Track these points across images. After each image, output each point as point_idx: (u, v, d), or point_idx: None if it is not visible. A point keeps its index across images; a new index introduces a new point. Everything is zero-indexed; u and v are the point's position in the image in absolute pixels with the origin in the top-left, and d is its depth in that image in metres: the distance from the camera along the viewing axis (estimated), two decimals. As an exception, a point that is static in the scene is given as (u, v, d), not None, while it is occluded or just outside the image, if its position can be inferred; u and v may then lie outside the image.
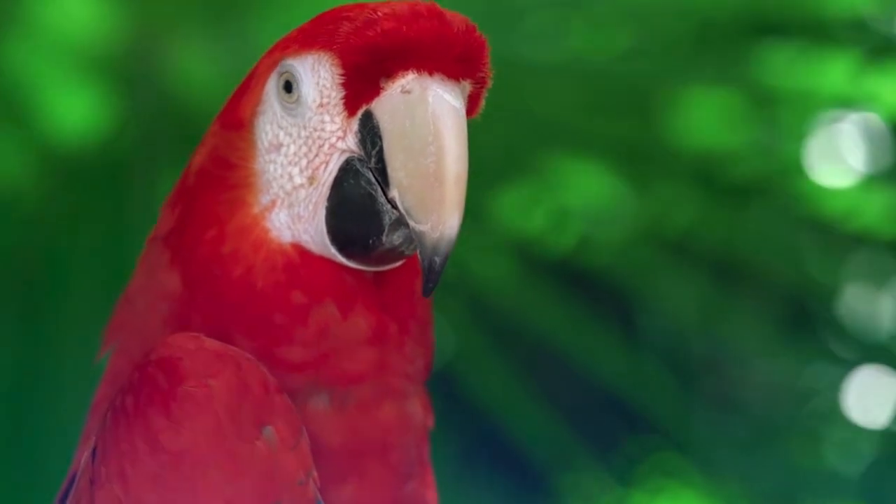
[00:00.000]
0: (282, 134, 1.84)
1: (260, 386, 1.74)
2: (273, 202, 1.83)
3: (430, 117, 1.74)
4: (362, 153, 1.78)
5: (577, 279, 4.50)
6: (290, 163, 1.83)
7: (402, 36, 1.75)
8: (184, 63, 4.13)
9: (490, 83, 1.82)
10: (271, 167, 1.84)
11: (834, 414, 4.49)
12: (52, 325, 4.13)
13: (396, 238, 1.76)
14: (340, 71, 1.78)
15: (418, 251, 1.75)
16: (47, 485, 3.95)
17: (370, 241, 1.78)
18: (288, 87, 1.83)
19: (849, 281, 4.62)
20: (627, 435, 4.50)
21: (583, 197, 4.35)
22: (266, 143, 1.85)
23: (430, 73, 1.75)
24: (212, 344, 1.76)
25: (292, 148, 1.83)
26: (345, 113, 1.79)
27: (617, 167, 4.35)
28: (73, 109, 4.11)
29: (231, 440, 1.72)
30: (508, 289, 4.37)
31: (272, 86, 1.84)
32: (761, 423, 4.63)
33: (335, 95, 1.80)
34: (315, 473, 1.76)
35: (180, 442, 1.71)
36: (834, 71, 4.32)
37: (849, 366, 4.52)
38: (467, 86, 1.79)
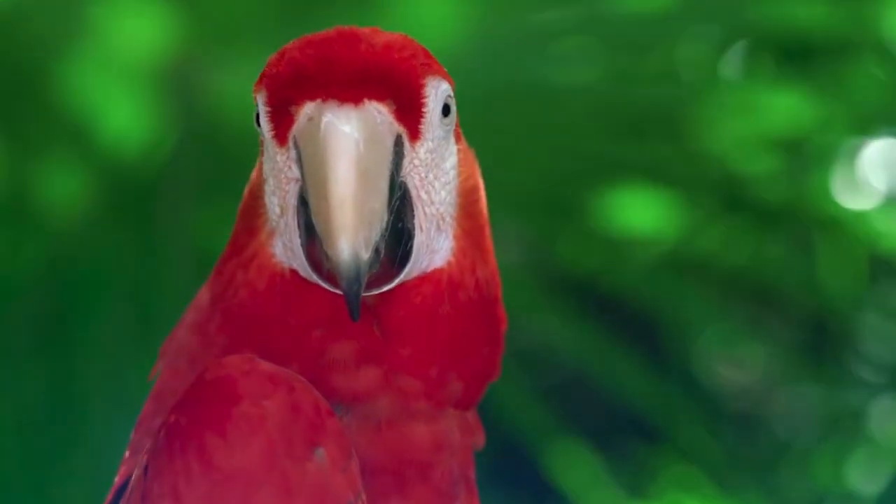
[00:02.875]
0: (266, 167, 1.90)
1: (312, 408, 1.78)
2: (273, 230, 1.89)
3: (320, 144, 1.77)
4: (302, 181, 1.83)
5: (602, 301, 4.52)
6: (272, 193, 1.89)
7: (299, 65, 1.80)
8: (234, 81, 4.15)
9: (424, 103, 1.83)
10: (266, 198, 1.90)
11: (856, 434, 4.50)
12: (83, 345, 4.15)
13: (329, 263, 1.78)
14: (265, 101, 1.84)
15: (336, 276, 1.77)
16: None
17: (327, 268, 1.81)
18: (258, 120, 1.89)
19: (873, 305, 4.64)
20: (650, 454, 4.52)
21: (608, 219, 4.37)
22: (264, 175, 1.91)
23: (324, 100, 1.78)
24: (265, 366, 1.81)
25: (271, 180, 1.89)
26: (278, 142, 1.84)
27: (642, 190, 4.36)
28: (129, 127, 4.13)
29: (283, 461, 1.75)
30: (532, 309, 4.39)
31: (254, 119, 1.91)
32: (784, 445, 4.64)
33: (271, 127, 1.85)
34: (364, 496, 1.78)
35: (233, 461, 1.74)
36: (860, 95, 4.33)
37: (872, 389, 4.53)
38: (381, 108, 1.80)
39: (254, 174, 1.96)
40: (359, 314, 1.77)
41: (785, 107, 4.30)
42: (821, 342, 4.70)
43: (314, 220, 1.78)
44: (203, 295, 1.98)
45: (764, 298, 4.74)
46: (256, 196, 1.93)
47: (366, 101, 1.78)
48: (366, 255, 1.75)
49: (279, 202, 1.87)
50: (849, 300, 4.62)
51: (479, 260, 1.93)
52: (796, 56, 4.40)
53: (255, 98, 1.88)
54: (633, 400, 4.44)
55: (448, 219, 1.89)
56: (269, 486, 1.73)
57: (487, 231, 1.97)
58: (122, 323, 4.11)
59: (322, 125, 1.77)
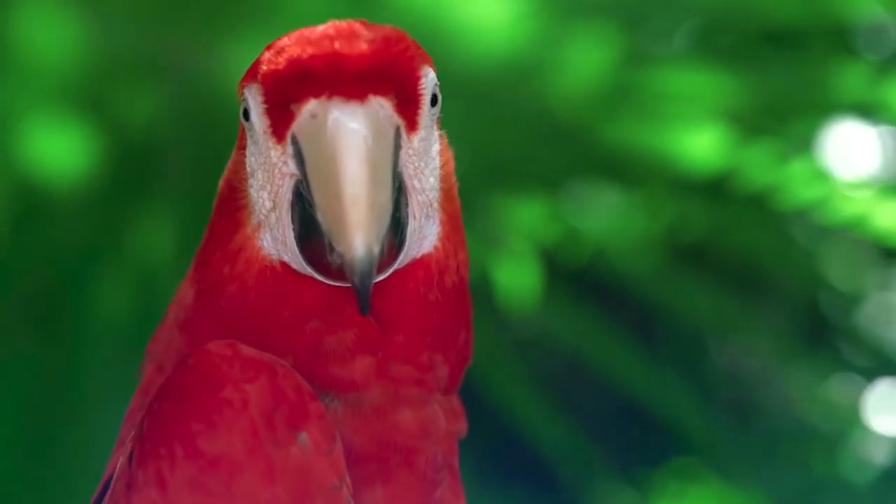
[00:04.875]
0: (253, 160, 1.90)
1: (295, 392, 1.79)
2: (260, 223, 1.90)
3: (328, 140, 1.78)
4: (301, 176, 1.84)
5: (597, 289, 4.52)
6: (260, 188, 1.89)
7: (301, 62, 1.80)
8: (170, 89, 4.15)
9: (422, 94, 1.85)
10: (252, 191, 1.91)
11: (852, 422, 4.50)
12: (81, 332, 4.15)
13: (336, 258, 1.79)
14: (262, 99, 1.84)
15: (346, 271, 1.78)
16: (72, 496, 3.99)
17: (324, 261, 1.82)
18: (246, 115, 1.89)
19: (867, 290, 4.64)
20: (646, 442, 4.52)
21: (599, 206, 4.37)
22: (248, 168, 1.91)
23: (329, 97, 1.79)
24: (248, 350, 1.81)
25: (259, 173, 1.89)
26: (275, 139, 1.85)
27: (633, 176, 4.37)
28: (55, 144, 4.12)
29: (266, 446, 1.76)
30: (529, 297, 4.39)
31: (240, 114, 1.91)
32: (778, 430, 4.65)
33: (266, 123, 1.85)
34: (348, 479, 1.79)
35: (217, 447, 1.75)
36: (849, 78, 4.33)
37: (867, 375, 4.53)
38: (384, 102, 1.81)
39: (231, 166, 1.96)
40: (369, 308, 1.78)
41: (765, 91, 4.31)
42: (816, 329, 4.70)
43: (320, 216, 1.78)
44: (185, 291, 1.98)
45: (760, 286, 4.74)
46: (237, 188, 1.93)
47: (370, 96, 1.80)
48: (377, 249, 1.76)
49: (270, 196, 1.87)
50: (845, 287, 4.62)
51: (458, 243, 1.95)
52: (780, 41, 4.41)
53: (242, 93, 1.88)
54: (629, 388, 4.45)
55: (435, 204, 1.91)
56: (252, 471, 1.74)
57: (461, 213, 1.98)
58: (121, 309, 4.12)
59: (329, 122, 1.78)
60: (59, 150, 4.11)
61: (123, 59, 4.11)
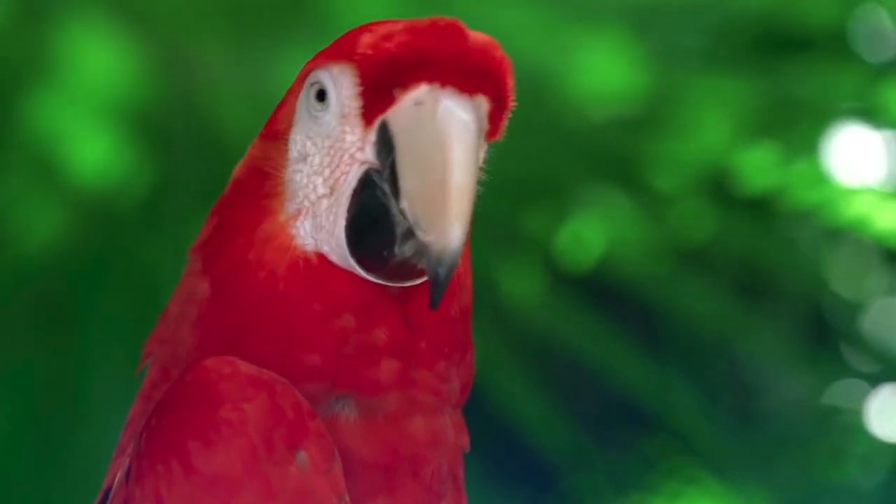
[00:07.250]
0: (309, 144, 1.87)
1: (293, 410, 1.77)
2: (299, 211, 1.86)
3: (438, 129, 1.75)
4: (378, 164, 1.81)
5: (601, 293, 4.52)
6: (314, 172, 1.85)
7: (417, 48, 1.78)
8: (210, 100, 4.14)
9: (511, 105, 1.84)
10: (298, 176, 1.87)
11: (855, 427, 4.50)
12: (88, 335, 4.15)
13: (408, 249, 1.77)
14: (358, 81, 1.81)
15: (426, 262, 1.76)
16: (78, 500, 3.98)
17: (384, 253, 1.79)
18: (321, 95, 1.86)
19: (871, 295, 4.63)
20: (649, 445, 4.52)
21: (604, 211, 4.37)
22: (295, 153, 1.87)
23: (442, 86, 1.77)
24: (247, 368, 1.79)
25: (317, 158, 1.85)
26: (363, 123, 1.82)
27: (636, 180, 4.37)
28: (98, 154, 4.12)
29: (265, 464, 1.74)
30: (534, 302, 4.39)
31: (304, 96, 1.88)
32: (781, 435, 4.64)
33: (355, 106, 1.82)
34: (347, 498, 1.78)
35: (214, 465, 1.74)
36: (852, 82, 4.33)
37: (870, 380, 4.53)
38: (483, 103, 1.79)
39: (256, 154, 1.93)
40: (440, 302, 1.77)
41: (768, 95, 4.31)
42: (820, 334, 4.70)
43: (408, 205, 1.76)
44: (195, 286, 1.93)
45: (763, 290, 4.73)
46: (268, 175, 1.89)
47: (479, 94, 1.78)
48: (462, 243, 1.75)
49: (328, 183, 1.84)
50: (848, 292, 4.62)
51: (468, 266, 1.93)
52: (783, 46, 4.41)
53: (311, 74, 1.86)
54: (633, 392, 4.45)
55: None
56: (250, 491, 1.73)
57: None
58: (128, 314, 4.12)
59: (440, 110, 1.75)
60: (101, 160, 4.12)
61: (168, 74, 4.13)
